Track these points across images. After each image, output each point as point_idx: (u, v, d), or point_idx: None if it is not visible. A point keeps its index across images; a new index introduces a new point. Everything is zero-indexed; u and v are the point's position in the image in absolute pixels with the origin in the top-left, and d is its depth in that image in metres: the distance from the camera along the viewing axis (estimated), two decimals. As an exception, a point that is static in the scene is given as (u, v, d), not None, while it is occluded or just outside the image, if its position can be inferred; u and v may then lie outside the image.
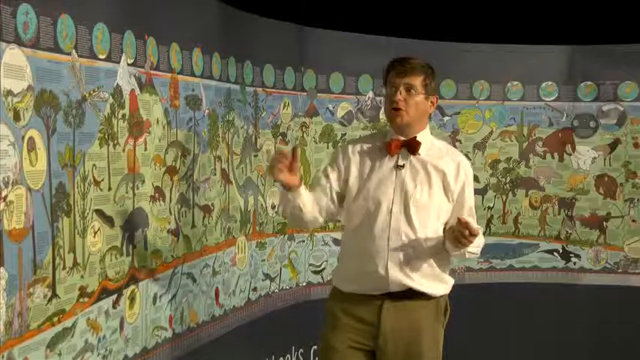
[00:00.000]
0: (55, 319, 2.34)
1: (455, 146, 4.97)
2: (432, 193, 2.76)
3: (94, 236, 2.57)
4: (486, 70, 4.97)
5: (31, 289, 2.21)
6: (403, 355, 2.77)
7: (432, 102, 2.80)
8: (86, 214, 2.51)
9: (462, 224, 2.62)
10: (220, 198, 3.63)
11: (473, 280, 5.01)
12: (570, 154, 5.02)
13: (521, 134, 5.03)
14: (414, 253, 2.74)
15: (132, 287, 2.85)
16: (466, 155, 4.99)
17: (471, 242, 2.65)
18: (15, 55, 2.13)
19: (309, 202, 2.77)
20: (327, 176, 2.85)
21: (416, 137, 2.77)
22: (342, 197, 2.84)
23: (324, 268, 4.55)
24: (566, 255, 5.03)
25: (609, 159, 4.99)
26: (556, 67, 5.01)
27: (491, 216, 5.02)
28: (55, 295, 2.33)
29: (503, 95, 5.02)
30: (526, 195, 5.04)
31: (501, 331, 4.88)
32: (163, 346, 3.12)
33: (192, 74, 3.33)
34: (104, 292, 2.64)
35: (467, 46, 4.94)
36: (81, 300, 2.49)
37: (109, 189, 2.67)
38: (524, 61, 4.99)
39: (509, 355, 4.90)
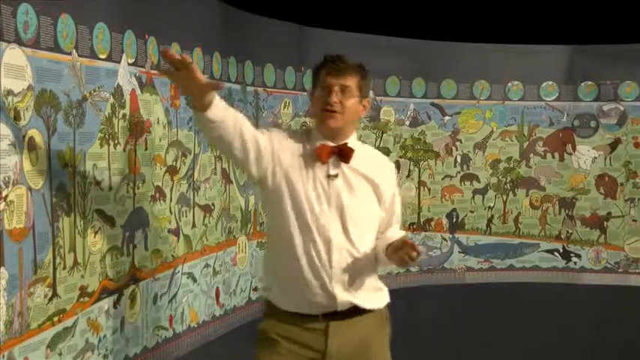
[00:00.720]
0: (56, 318, 2.34)
1: (455, 146, 5.00)
2: (367, 206, 2.54)
3: (95, 236, 2.57)
4: (487, 70, 4.98)
5: (31, 289, 2.21)
6: None
7: (364, 105, 2.56)
8: (87, 214, 2.51)
9: (408, 246, 2.40)
10: (221, 198, 3.63)
11: (473, 280, 5.01)
12: (571, 154, 5.02)
13: (522, 134, 5.03)
14: (356, 270, 2.52)
15: (132, 287, 2.85)
16: (466, 155, 5.07)
17: (415, 261, 2.43)
18: (15, 54, 2.13)
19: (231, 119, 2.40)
20: (263, 134, 2.48)
21: (347, 144, 2.52)
22: (258, 157, 2.46)
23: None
24: (566, 255, 5.03)
25: (610, 159, 4.99)
26: (556, 67, 5.01)
27: (492, 216, 5.02)
28: (55, 294, 2.33)
29: (503, 95, 5.02)
30: (526, 195, 5.04)
31: (502, 331, 4.88)
32: (164, 345, 3.12)
33: (193, 74, 3.33)
34: (105, 292, 2.64)
35: (467, 46, 4.95)
36: (81, 300, 2.49)
37: (110, 189, 2.67)
38: (525, 61, 4.99)
39: (509, 354, 4.90)
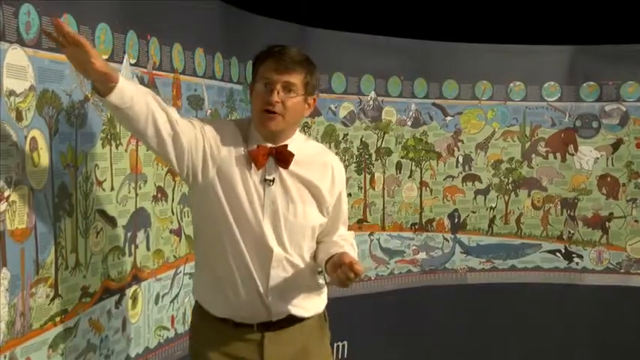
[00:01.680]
0: (58, 319, 2.34)
1: (457, 146, 5.00)
2: (306, 212, 2.37)
3: (97, 236, 2.57)
4: (489, 70, 4.97)
5: (33, 289, 2.21)
6: None
7: (309, 104, 2.38)
8: (88, 214, 2.51)
9: (346, 266, 2.24)
10: (222, 198, 3.62)
11: (475, 281, 5.01)
12: (573, 155, 5.01)
13: (524, 134, 5.02)
14: (292, 279, 2.37)
15: (134, 287, 2.86)
16: (468, 155, 5.06)
17: (354, 281, 2.26)
18: (17, 55, 2.13)
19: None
20: (193, 125, 2.32)
21: (287, 146, 2.34)
22: (178, 150, 2.29)
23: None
24: (568, 255, 5.02)
25: (612, 159, 4.98)
26: (558, 68, 5.00)
27: (494, 216, 5.02)
28: (57, 295, 2.33)
29: (505, 95, 5.01)
30: (528, 195, 5.03)
31: (503, 331, 4.88)
32: (166, 346, 3.12)
33: (195, 74, 3.33)
34: (106, 292, 2.64)
35: (469, 46, 4.94)
36: (83, 300, 2.49)
37: (112, 189, 2.67)
38: (527, 61, 4.99)
39: (510, 354, 4.90)
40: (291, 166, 2.35)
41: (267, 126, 2.31)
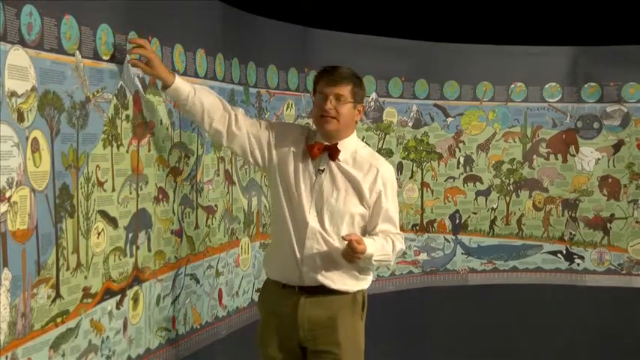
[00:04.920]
0: (59, 319, 2.34)
1: (458, 147, 5.00)
2: (347, 200, 2.89)
3: (98, 237, 2.57)
4: (490, 71, 4.98)
5: (34, 290, 2.21)
6: (322, 343, 2.91)
7: (358, 110, 2.94)
8: (90, 215, 2.51)
9: (345, 239, 2.76)
10: (224, 199, 3.63)
11: (476, 282, 5.01)
12: (574, 156, 5.01)
13: (525, 135, 5.03)
14: (326, 254, 2.87)
15: (135, 288, 2.86)
16: (469, 156, 5.06)
17: (359, 258, 2.78)
18: (19, 55, 2.13)
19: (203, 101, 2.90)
20: (261, 125, 2.98)
21: (337, 144, 2.90)
22: (250, 146, 2.95)
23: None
24: (569, 256, 5.02)
25: (613, 160, 4.99)
26: (560, 69, 5.01)
27: (495, 217, 5.02)
28: (58, 295, 2.34)
29: (506, 96, 5.02)
30: (529, 196, 5.04)
31: (504, 332, 4.88)
32: (167, 346, 3.12)
33: (196, 75, 3.33)
34: (108, 293, 2.64)
35: (470, 47, 4.95)
36: (84, 301, 2.49)
37: (113, 190, 2.67)
38: (528, 63, 4.99)
39: (512, 356, 4.90)
40: (342, 163, 2.90)
41: (324, 127, 2.89)
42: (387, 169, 2.97)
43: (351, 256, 2.78)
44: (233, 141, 2.94)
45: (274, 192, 2.97)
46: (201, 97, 2.89)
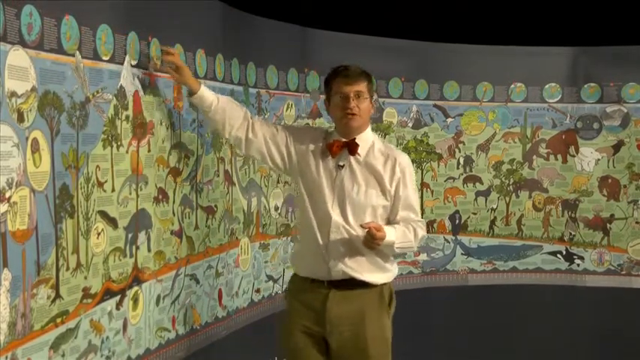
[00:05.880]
0: (59, 320, 2.34)
1: (458, 148, 5.00)
2: (368, 193, 2.98)
3: (98, 237, 2.57)
4: (490, 71, 4.98)
5: (34, 290, 2.21)
6: (349, 338, 2.99)
7: (372, 104, 3.09)
8: (90, 216, 2.51)
9: (363, 228, 2.87)
10: (224, 199, 3.63)
11: (476, 282, 5.01)
12: (574, 156, 5.01)
13: (525, 136, 5.03)
14: (351, 247, 2.96)
15: (135, 288, 2.86)
16: (469, 157, 5.06)
17: (378, 244, 2.88)
18: (19, 56, 2.13)
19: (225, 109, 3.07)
20: (278, 130, 3.11)
21: (355, 139, 2.99)
22: (268, 149, 3.08)
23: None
24: (569, 257, 5.02)
25: (613, 160, 4.99)
26: (560, 69, 5.01)
27: (495, 218, 5.02)
28: (58, 296, 2.34)
29: (506, 97, 5.02)
30: (529, 197, 5.04)
31: (504, 332, 4.88)
32: (166, 347, 3.12)
33: (196, 75, 3.32)
34: (107, 294, 2.64)
35: (470, 47, 4.95)
36: (84, 301, 2.49)
37: (113, 190, 2.68)
38: (528, 63, 4.99)
39: (512, 356, 4.90)
40: (360, 155, 3.00)
41: (350, 125, 2.99)
42: (404, 158, 3.07)
43: (372, 243, 2.86)
44: (250, 147, 3.07)
45: (298, 192, 3.09)
46: (224, 105, 3.04)
